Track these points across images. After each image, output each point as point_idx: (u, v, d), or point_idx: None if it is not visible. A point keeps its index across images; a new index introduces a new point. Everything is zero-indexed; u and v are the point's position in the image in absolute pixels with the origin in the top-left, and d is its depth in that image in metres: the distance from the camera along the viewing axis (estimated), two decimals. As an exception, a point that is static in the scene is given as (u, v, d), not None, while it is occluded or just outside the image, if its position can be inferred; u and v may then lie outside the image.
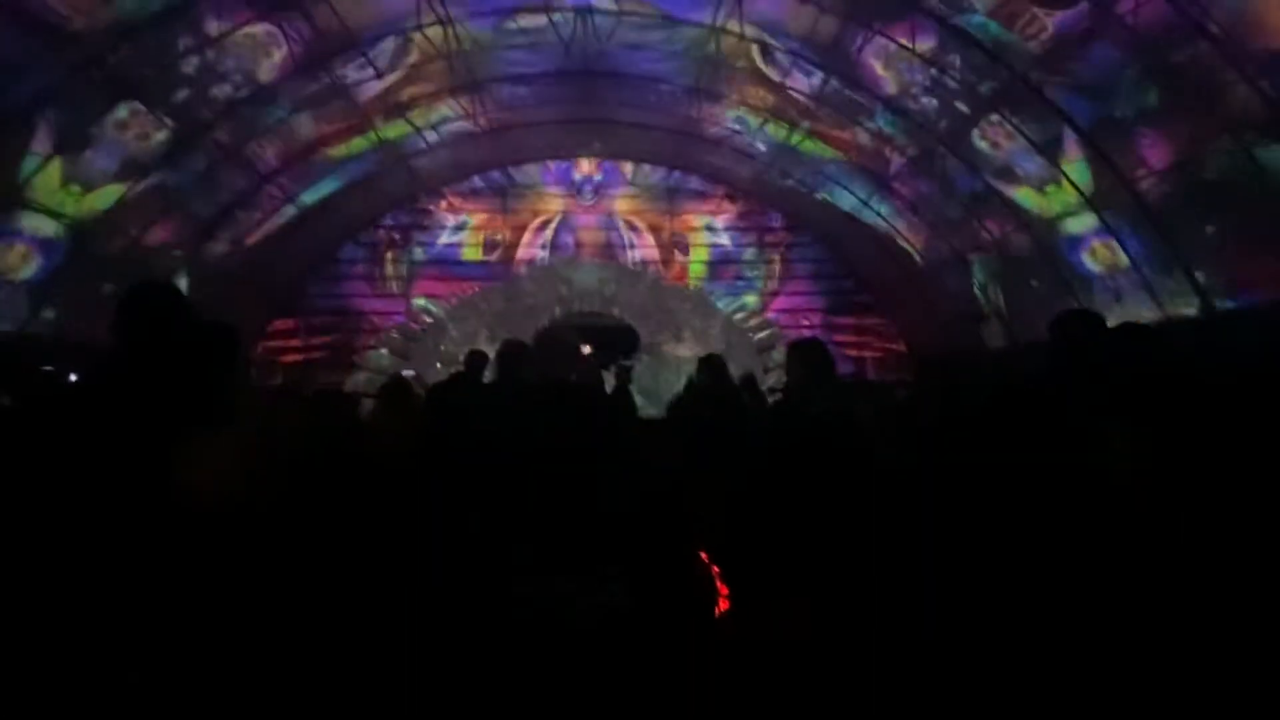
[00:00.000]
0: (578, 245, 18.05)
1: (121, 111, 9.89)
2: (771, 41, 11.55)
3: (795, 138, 13.76)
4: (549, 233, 18.46)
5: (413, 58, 11.66)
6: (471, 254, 17.94)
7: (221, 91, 10.75)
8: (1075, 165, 10.32)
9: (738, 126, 14.45)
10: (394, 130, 13.73)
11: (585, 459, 2.17)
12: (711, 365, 4.46)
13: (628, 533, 2.11)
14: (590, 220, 18.32)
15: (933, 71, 10.76)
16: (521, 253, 18.25)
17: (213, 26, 9.49)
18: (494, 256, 18.00)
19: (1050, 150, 10.54)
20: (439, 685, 2.06)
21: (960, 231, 13.62)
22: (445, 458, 2.80)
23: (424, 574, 2.29)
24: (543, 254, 18.24)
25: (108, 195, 10.62)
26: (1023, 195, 11.64)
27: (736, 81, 12.92)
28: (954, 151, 11.97)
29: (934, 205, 13.32)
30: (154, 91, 10.02)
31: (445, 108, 13.84)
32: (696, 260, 18.39)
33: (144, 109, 10.07)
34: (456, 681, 2.04)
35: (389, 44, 11.19)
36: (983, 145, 11.90)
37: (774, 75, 12.48)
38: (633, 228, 18.50)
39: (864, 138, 13.18)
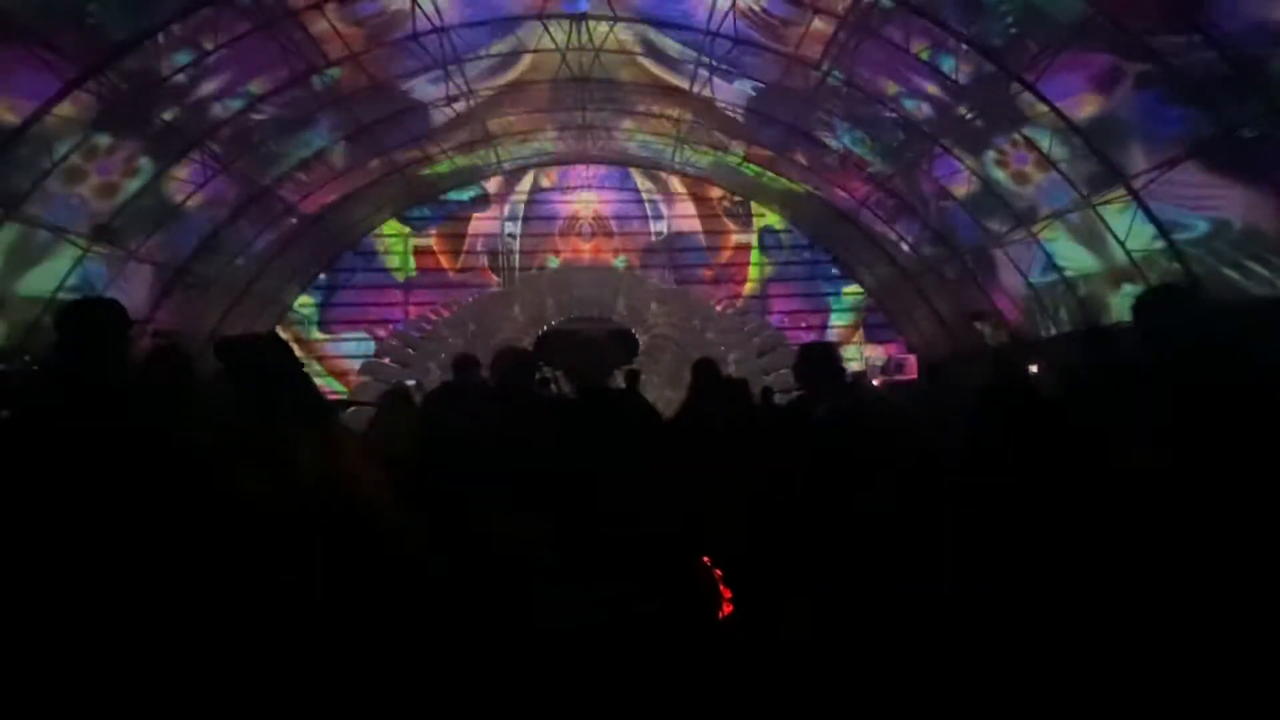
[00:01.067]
0: (573, 223, 16.39)
1: (74, 157, 8.57)
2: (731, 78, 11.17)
3: (749, 168, 13.69)
4: (524, 184, 16.19)
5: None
6: (396, 262, 15.93)
7: (224, 111, 10.64)
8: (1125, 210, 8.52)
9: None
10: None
11: (624, 468, 2.18)
12: (703, 370, 4.38)
13: (649, 540, 2.12)
14: (591, 175, 16.38)
15: (924, 57, 9.09)
16: (475, 227, 15.89)
17: (209, 38, 9.39)
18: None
19: (1101, 184, 8.65)
20: (457, 687, 2.07)
21: (960, 294, 12.21)
22: (452, 465, 2.79)
23: (438, 580, 2.29)
24: (511, 229, 16.01)
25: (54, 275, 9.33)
26: (1058, 247, 9.90)
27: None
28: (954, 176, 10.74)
29: (929, 211, 13.29)
30: (134, 117, 9.08)
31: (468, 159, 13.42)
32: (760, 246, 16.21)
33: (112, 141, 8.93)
34: (475, 684, 2.05)
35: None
36: (1000, 175, 10.09)
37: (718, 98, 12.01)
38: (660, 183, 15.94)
39: (830, 159, 12.69)
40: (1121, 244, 9.92)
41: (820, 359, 2.94)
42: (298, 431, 1.84)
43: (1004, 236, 12.02)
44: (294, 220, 14.27)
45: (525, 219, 17.26)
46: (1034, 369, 10.92)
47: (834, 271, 17.46)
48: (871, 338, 17.06)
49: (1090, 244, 10.58)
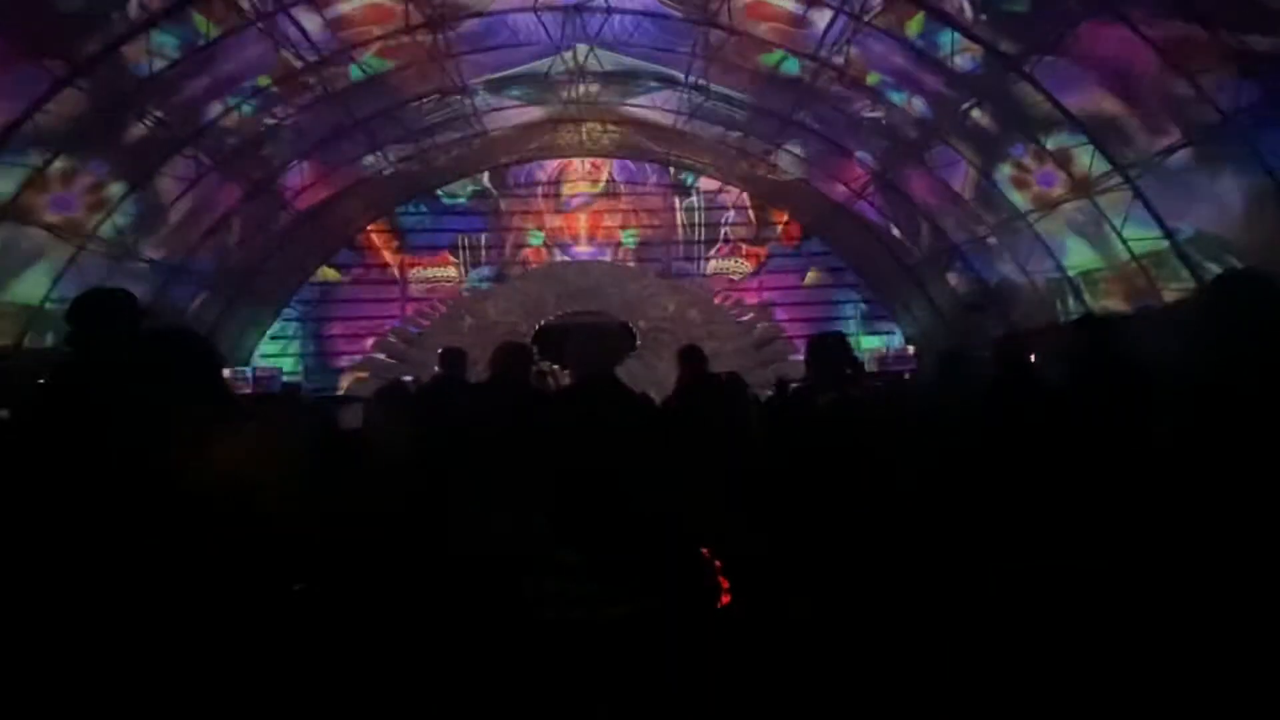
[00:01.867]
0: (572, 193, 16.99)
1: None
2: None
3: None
4: (522, 177, 16.75)
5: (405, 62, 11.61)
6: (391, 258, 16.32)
7: (219, 107, 10.48)
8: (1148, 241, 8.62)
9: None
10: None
11: (626, 460, 2.17)
12: (690, 358, 4.31)
13: (650, 532, 2.10)
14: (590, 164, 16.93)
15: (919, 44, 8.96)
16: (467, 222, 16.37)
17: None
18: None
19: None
20: (455, 684, 2.05)
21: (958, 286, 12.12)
22: (448, 461, 2.78)
23: (437, 573, 2.28)
24: (505, 218, 16.29)
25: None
26: (1060, 242, 9.79)
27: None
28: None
29: (930, 202, 13.25)
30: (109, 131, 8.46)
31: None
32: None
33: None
34: (474, 681, 2.04)
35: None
36: (1018, 198, 9.93)
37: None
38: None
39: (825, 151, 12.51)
40: (1119, 233, 9.90)
41: (829, 349, 2.92)
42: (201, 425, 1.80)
43: (1001, 226, 11.99)
44: (289, 217, 14.21)
45: (516, 198, 17.25)
46: (1031, 358, 10.89)
47: (831, 263, 17.43)
48: (869, 329, 17.04)
49: (1091, 240, 10.56)
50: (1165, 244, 9.22)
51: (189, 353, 1.98)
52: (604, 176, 17.50)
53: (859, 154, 13.30)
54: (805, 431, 2.68)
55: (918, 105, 11.09)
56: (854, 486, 2.28)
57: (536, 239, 17.31)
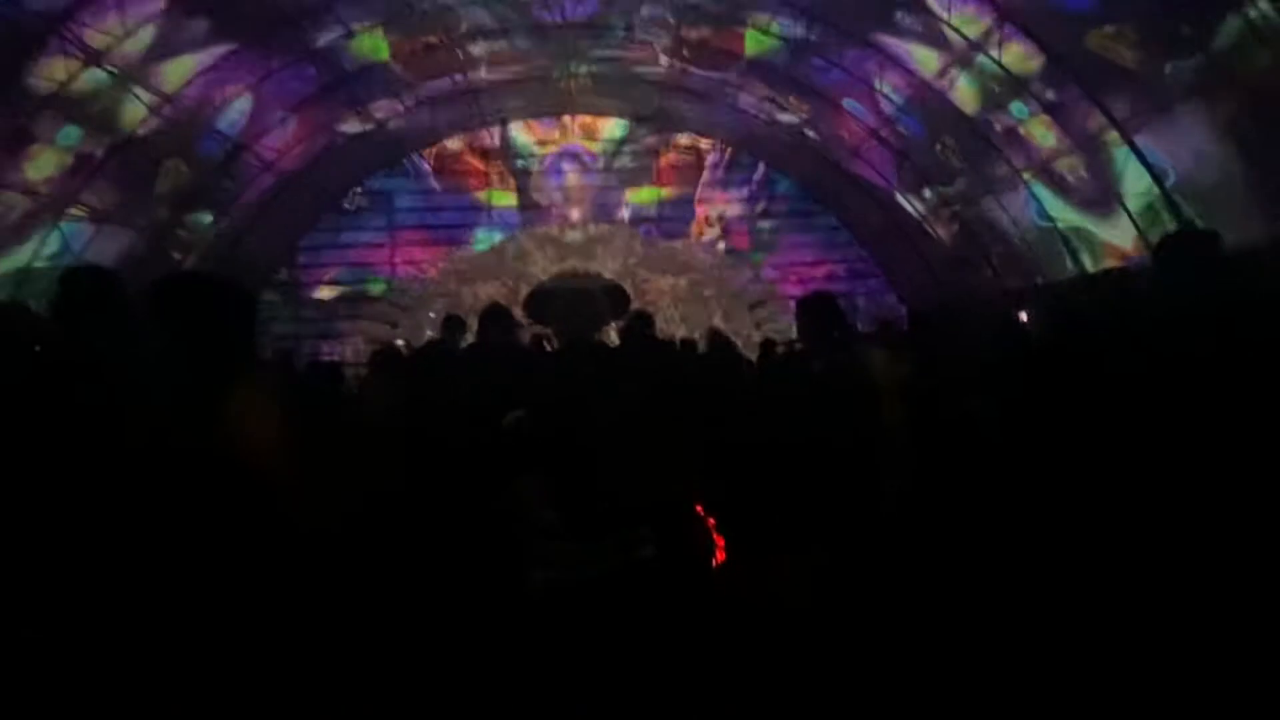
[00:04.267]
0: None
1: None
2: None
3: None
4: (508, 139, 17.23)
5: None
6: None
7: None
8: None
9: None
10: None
11: (611, 420, 2.16)
12: (639, 322, 4.28)
13: (647, 491, 2.11)
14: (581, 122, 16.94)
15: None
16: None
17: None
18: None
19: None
20: (458, 651, 2.07)
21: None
22: (443, 426, 2.77)
23: (435, 540, 2.28)
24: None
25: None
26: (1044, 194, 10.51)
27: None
28: None
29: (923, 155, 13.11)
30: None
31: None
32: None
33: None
34: (472, 646, 2.06)
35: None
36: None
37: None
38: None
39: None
40: (1117, 192, 9.82)
41: (819, 312, 2.88)
42: (220, 390, 1.74)
43: (995, 184, 11.90)
44: (272, 179, 13.93)
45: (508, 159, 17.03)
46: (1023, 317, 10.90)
47: (825, 221, 17.27)
48: (863, 288, 16.97)
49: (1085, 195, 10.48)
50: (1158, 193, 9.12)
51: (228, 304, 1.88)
52: (597, 135, 17.15)
53: (850, 105, 13.11)
54: (799, 399, 2.66)
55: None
56: (848, 453, 2.28)
57: (526, 201, 17.06)
